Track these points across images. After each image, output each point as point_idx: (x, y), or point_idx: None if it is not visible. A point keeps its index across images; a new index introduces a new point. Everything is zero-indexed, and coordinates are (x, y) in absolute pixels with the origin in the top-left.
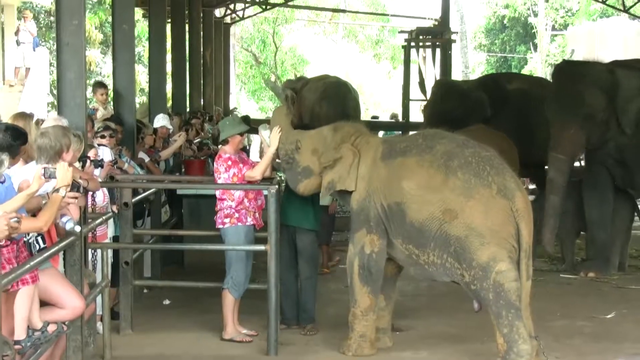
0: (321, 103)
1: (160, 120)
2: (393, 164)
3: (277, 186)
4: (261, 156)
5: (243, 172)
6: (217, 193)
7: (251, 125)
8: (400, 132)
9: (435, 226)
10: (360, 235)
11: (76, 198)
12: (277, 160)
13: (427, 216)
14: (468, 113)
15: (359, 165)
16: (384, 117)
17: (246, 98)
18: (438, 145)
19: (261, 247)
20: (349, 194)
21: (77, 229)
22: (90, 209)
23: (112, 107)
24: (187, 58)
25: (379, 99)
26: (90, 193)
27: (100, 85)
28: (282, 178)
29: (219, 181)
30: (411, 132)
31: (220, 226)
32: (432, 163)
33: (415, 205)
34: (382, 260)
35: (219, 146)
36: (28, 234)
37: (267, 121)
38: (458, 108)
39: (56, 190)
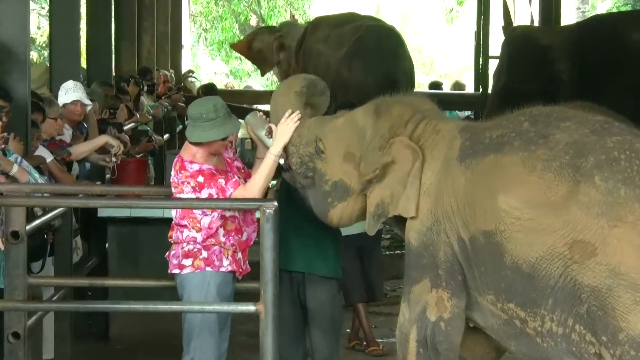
0: (351, 64)
1: (71, 92)
2: (480, 166)
3: (274, 203)
4: (252, 164)
5: (227, 193)
6: (174, 215)
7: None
8: (470, 113)
9: (557, 270)
10: (420, 290)
11: None
12: (283, 165)
13: (543, 253)
14: (551, 84)
15: (422, 173)
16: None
17: (208, 55)
18: (558, 132)
19: (248, 308)
20: (404, 222)
21: None
22: None
23: None
24: None
25: (430, 55)
26: None
27: None
28: (280, 186)
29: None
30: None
31: (176, 271)
32: (549, 163)
33: (520, 235)
34: (457, 332)
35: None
36: None
37: (248, 94)
38: (536, 76)
39: None
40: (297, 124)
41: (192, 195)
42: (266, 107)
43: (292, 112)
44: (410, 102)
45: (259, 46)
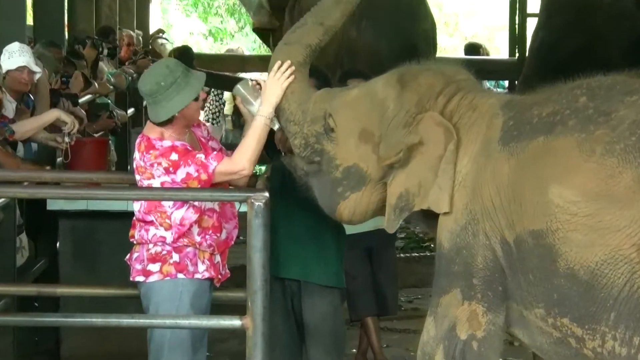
0: (360, 24)
1: (16, 57)
2: (527, 151)
3: (265, 194)
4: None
5: (211, 167)
6: (136, 209)
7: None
8: (505, 82)
9: (621, 277)
10: (449, 302)
11: None
12: (279, 147)
13: (605, 257)
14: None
15: (457, 158)
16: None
17: (181, 11)
18: (622, 108)
19: (232, 323)
20: (434, 218)
21: None
22: None
23: None
24: None
25: (454, 13)
26: None
27: None
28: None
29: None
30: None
31: (141, 279)
32: (611, 146)
33: (577, 235)
34: (492, 354)
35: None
36: None
37: (233, 59)
38: (582, 29)
39: None
40: (291, 79)
41: (167, 179)
42: (258, 75)
43: (283, 63)
44: (441, 70)
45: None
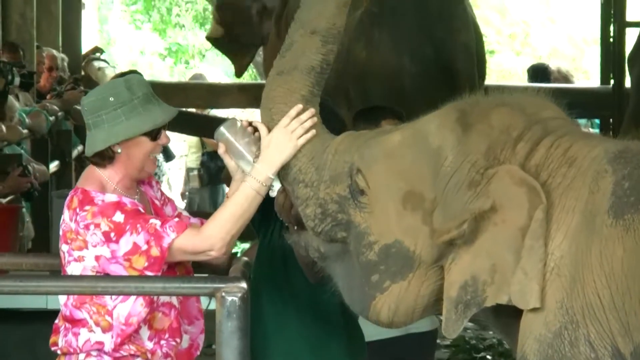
0: (372, 35)
1: None
2: None
3: (242, 284)
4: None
5: (166, 240)
6: (62, 302)
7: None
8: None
9: None
10: None
11: None
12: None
13: None
14: None
15: (548, 233)
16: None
17: (129, 21)
18: None
19: None
20: (512, 318)
21: None
22: None
23: None
24: None
25: (516, 21)
26: None
27: None
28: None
29: (76, 269)
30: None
31: None
32: None
33: None
34: None
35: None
36: None
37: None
38: None
39: None
40: (311, 134)
41: (105, 252)
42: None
43: (302, 109)
44: (520, 104)
45: (228, 18)
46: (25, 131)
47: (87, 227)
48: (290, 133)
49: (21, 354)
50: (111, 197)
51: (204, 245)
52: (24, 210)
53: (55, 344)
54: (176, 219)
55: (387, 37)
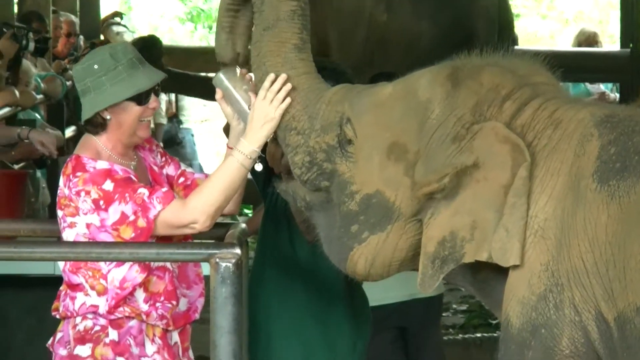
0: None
1: None
2: (636, 193)
3: (236, 250)
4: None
5: (152, 212)
6: (62, 268)
7: (170, 70)
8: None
9: None
10: None
11: None
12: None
13: None
14: None
15: (530, 192)
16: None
17: None
18: None
19: None
20: (494, 280)
21: None
22: None
23: None
24: None
25: None
26: None
27: None
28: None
29: (70, 235)
30: None
31: None
32: None
33: None
34: None
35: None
36: None
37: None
38: None
39: None
40: (288, 101)
41: (95, 219)
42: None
43: (279, 76)
44: (512, 66)
45: None
46: (40, 96)
47: (78, 193)
48: (268, 106)
49: (28, 320)
50: (102, 164)
51: (188, 218)
52: (39, 176)
53: (56, 309)
54: (164, 189)
55: (407, 1)
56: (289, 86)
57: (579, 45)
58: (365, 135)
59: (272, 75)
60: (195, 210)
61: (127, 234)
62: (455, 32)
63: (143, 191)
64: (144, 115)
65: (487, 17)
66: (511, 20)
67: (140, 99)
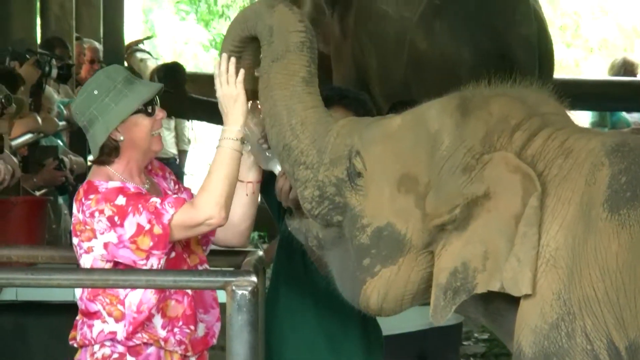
0: (433, 28)
1: None
2: None
3: (252, 278)
4: None
5: (166, 217)
6: (78, 296)
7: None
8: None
9: None
10: None
11: None
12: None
13: None
14: None
15: (541, 221)
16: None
17: (174, 11)
18: None
19: None
20: (506, 311)
21: None
22: None
23: None
24: None
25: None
26: None
27: None
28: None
29: (87, 261)
30: None
31: None
32: None
33: None
34: None
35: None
36: None
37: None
38: None
39: None
40: (242, 72)
41: (112, 237)
42: None
43: (230, 64)
44: (521, 96)
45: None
46: (62, 123)
47: (92, 214)
48: (228, 87)
49: (49, 346)
50: (114, 184)
51: (202, 215)
52: (60, 202)
53: (74, 338)
54: (174, 195)
55: (448, 28)
56: (233, 60)
57: (618, 74)
58: (375, 168)
59: (217, 60)
60: (207, 205)
61: (145, 243)
62: (496, 61)
63: (155, 199)
64: (154, 127)
65: (527, 46)
66: (551, 49)
67: (148, 110)
